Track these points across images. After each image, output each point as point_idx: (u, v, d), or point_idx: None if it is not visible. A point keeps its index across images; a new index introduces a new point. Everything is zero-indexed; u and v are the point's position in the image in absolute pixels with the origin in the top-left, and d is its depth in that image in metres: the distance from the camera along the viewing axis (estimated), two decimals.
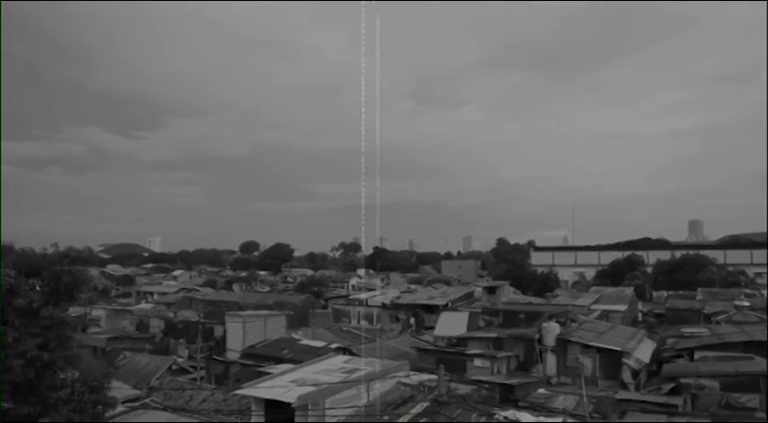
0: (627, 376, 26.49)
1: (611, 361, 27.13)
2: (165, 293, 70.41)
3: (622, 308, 43.84)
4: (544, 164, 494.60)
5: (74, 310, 28.73)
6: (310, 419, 15.80)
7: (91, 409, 12.31)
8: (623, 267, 78.02)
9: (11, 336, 11.54)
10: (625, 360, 26.76)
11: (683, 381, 23.05)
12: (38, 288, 12.86)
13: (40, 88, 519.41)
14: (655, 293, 61.51)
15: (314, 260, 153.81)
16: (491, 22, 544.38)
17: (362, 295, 58.87)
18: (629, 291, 53.47)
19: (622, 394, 22.47)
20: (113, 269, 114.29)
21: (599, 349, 27.59)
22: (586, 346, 27.97)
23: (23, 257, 13.61)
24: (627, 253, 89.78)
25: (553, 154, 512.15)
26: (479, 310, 41.16)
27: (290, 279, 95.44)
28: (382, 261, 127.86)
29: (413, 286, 71.48)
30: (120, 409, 14.06)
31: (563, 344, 28.73)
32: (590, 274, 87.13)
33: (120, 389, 17.63)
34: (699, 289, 54.69)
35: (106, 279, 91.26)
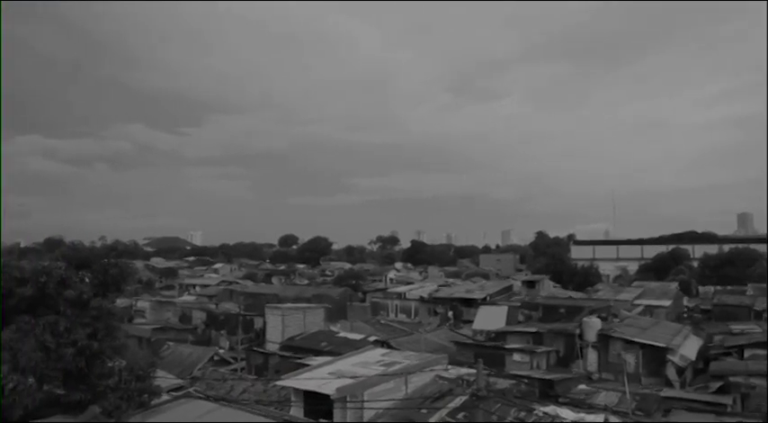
0: (672, 373, 25.76)
1: (655, 357, 26.43)
2: (206, 286, 72.02)
3: (666, 303, 42.66)
4: (584, 155, 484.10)
5: (120, 302, 29.70)
6: (348, 411, 15.92)
7: (137, 397, 12.70)
8: (667, 261, 75.79)
9: (62, 325, 11.98)
10: (670, 357, 26.02)
11: (731, 379, 22.24)
12: (87, 280, 13.31)
13: (87, 87, 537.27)
14: (701, 289, 59.56)
15: (352, 253, 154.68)
16: (530, 13, 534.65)
17: (400, 288, 58.96)
18: (674, 286, 51.93)
19: (667, 392, 21.87)
20: (157, 262, 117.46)
21: (642, 345, 26.91)
22: (629, 342, 27.32)
23: (74, 250, 14.09)
24: (671, 247, 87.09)
25: (594, 145, 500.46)
26: (518, 305, 40.69)
27: (328, 272, 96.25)
28: (420, 254, 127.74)
29: (451, 280, 71.17)
30: (164, 397, 14.46)
31: (604, 339, 28.13)
32: (632, 268, 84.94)
33: (164, 378, 18.11)
34: (749, 284, 52.65)
35: (150, 272, 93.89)
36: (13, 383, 10.67)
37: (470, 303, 47.60)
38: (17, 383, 10.72)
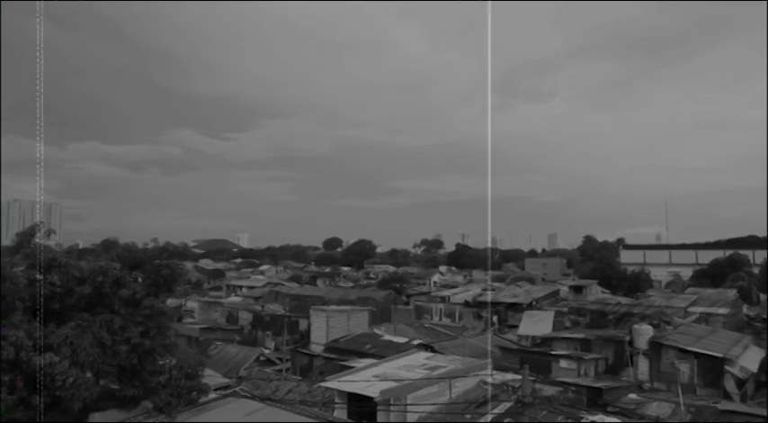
0: (731, 386, 24.59)
1: (712, 368, 25.30)
2: (252, 287, 73.45)
3: (724, 311, 40.84)
4: (636, 156, 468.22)
5: (171, 302, 30.58)
6: (392, 414, 15.91)
7: (186, 395, 13.07)
8: (725, 267, 72.44)
9: (117, 323, 12.45)
10: (728, 368, 24.86)
11: None
12: (140, 280, 13.78)
13: (141, 94, 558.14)
14: (762, 296, 56.73)
15: (396, 256, 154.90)
16: (577, 11, 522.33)
17: (444, 292, 58.62)
18: (732, 293, 49.63)
19: (725, 405, 20.92)
20: (206, 263, 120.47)
21: (697, 355, 25.83)
22: (683, 351, 26.27)
23: (128, 252, 14.60)
24: (729, 252, 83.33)
25: (646, 146, 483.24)
26: (565, 310, 39.79)
27: (372, 275, 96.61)
28: (464, 258, 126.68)
29: (496, 284, 70.29)
30: (212, 395, 14.82)
31: (656, 347, 27.15)
32: (686, 274, 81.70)
33: (211, 377, 18.57)
34: None
35: (199, 273, 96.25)
36: (73, 378, 11.13)
37: (516, 308, 46.87)
38: (76, 377, 11.19)
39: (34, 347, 11.26)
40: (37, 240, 13.19)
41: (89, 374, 11.65)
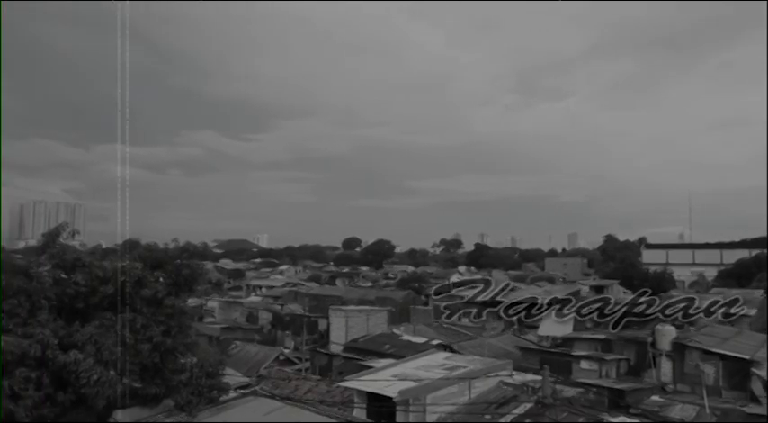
0: (758, 388, 24.05)
1: (738, 370, 24.78)
2: (272, 287, 73.89)
3: (751, 312, 39.99)
4: (656, 155, 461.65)
5: (192, 301, 30.90)
6: (411, 414, 15.88)
7: (207, 393, 13.21)
8: (751, 267, 70.95)
9: (139, 322, 12.63)
10: (755, 370, 24.33)
11: None
12: (161, 280, 13.96)
13: (162, 97, 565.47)
14: None
15: (415, 256, 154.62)
16: (598, 6, 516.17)
17: (464, 292, 58.26)
18: (759, 293, 48.54)
19: (753, 408, 20.48)
20: (225, 263, 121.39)
21: (723, 356, 25.33)
22: (707, 353, 25.79)
23: (149, 252, 14.80)
24: (755, 251, 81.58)
25: (666, 144, 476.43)
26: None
27: (391, 275, 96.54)
28: (484, 258, 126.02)
29: (515, 284, 69.71)
30: (232, 394, 14.95)
31: (680, 348, 26.69)
32: (711, 274, 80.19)
33: (232, 376, 18.71)
34: None
35: (219, 273, 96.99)
36: (98, 375, 11.33)
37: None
38: (101, 375, 11.38)
39: (60, 345, 11.48)
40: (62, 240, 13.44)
41: (112, 372, 11.83)
